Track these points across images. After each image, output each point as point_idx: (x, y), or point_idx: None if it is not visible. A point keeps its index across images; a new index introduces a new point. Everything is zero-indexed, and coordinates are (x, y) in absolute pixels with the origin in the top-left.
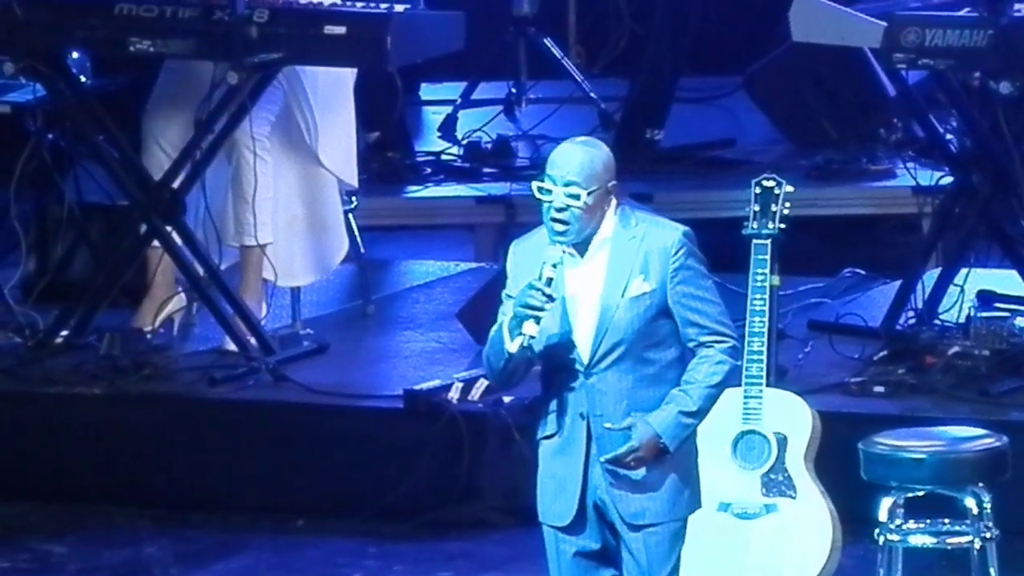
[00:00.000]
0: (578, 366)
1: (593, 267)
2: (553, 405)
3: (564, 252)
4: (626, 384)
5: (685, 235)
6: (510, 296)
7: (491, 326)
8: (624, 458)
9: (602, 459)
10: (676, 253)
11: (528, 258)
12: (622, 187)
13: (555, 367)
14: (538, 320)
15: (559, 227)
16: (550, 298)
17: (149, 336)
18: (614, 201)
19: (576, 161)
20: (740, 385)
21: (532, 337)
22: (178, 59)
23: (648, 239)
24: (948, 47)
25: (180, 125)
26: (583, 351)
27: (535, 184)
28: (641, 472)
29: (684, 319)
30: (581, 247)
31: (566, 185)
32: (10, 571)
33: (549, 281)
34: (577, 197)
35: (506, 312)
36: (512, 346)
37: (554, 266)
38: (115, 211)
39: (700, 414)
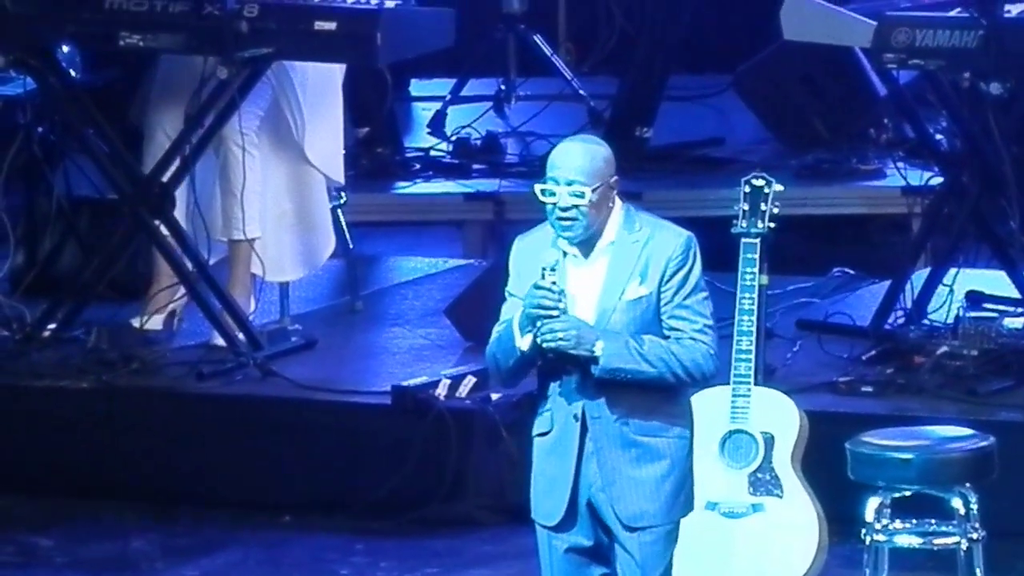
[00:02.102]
0: (577, 367)
1: (595, 270)
2: (549, 403)
3: (562, 253)
4: (621, 385)
5: (688, 241)
6: (512, 294)
7: (481, 322)
8: (554, 324)
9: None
10: (676, 258)
11: (531, 255)
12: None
13: (552, 366)
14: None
15: (566, 224)
16: (559, 294)
17: (141, 329)
18: (618, 200)
19: (577, 159)
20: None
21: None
22: (168, 54)
23: (651, 243)
24: (938, 47)
25: (182, 116)
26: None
27: (538, 187)
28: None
29: (667, 324)
30: (585, 248)
31: (569, 184)
32: None
33: (553, 283)
34: (582, 195)
35: (510, 310)
36: (523, 343)
37: (552, 269)
38: (104, 205)
39: (646, 359)
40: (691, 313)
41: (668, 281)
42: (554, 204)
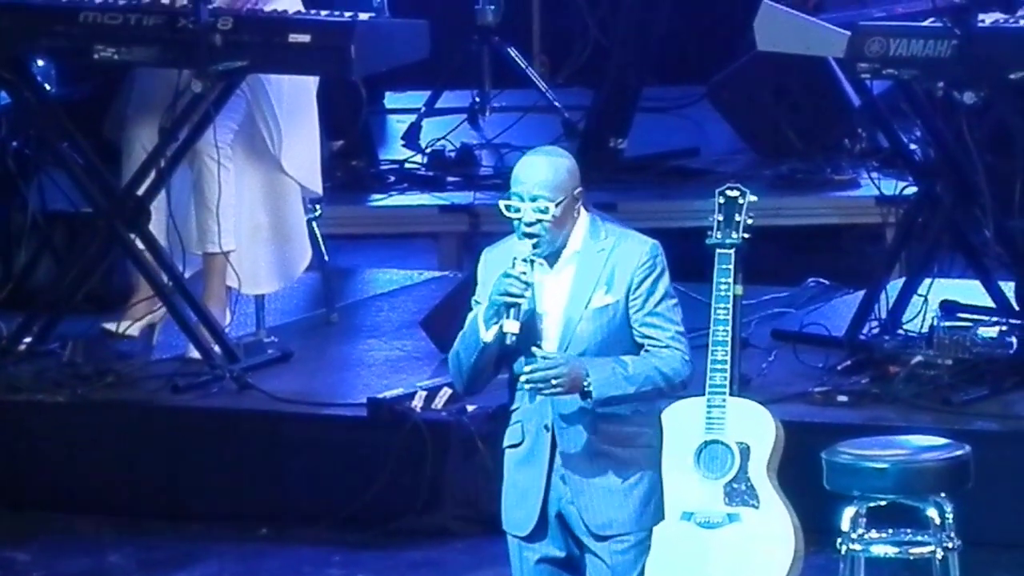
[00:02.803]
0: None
1: (561, 279)
2: (519, 415)
3: (533, 254)
4: None
5: (653, 248)
6: (479, 302)
7: (456, 334)
8: (544, 372)
9: (523, 370)
10: (642, 265)
11: (499, 265)
12: (587, 196)
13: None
14: (519, 311)
15: (532, 240)
16: (527, 285)
17: (115, 341)
18: (583, 211)
19: (540, 174)
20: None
21: (515, 335)
22: (142, 67)
23: (616, 252)
24: (912, 57)
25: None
26: None
27: (502, 203)
28: (557, 390)
29: (639, 333)
30: (551, 258)
31: (533, 200)
32: None
33: (523, 273)
34: (545, 211)
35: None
36: (487, 335)
37: (524, 260)
38: (79, 218)
39: (634, 382)
40: (663, 320)
41: (636, 289)
42: (519, 219)
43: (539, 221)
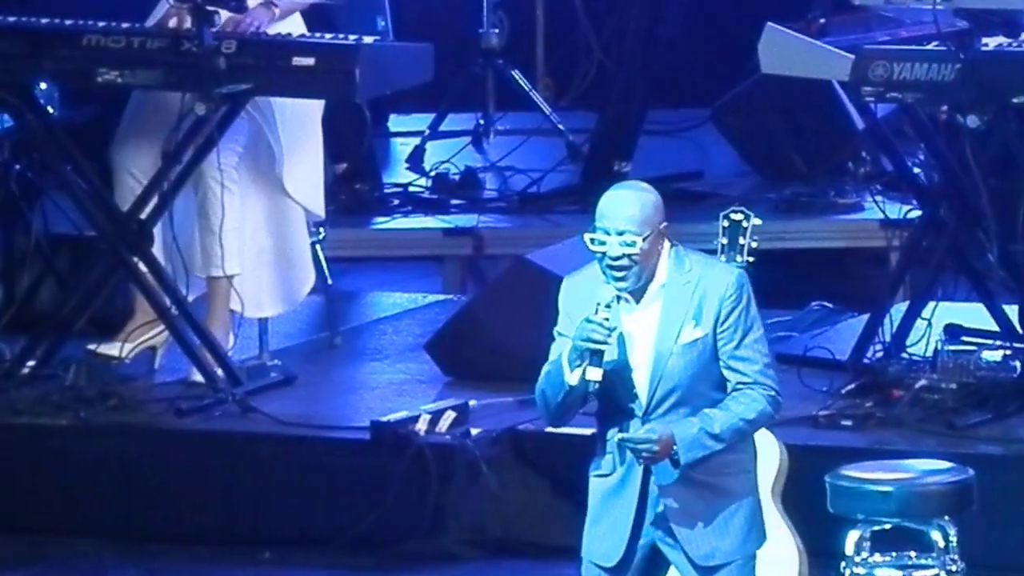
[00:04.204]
0: (636, 410)
1: (649, 314)
2: (611, 446)
3: (618, 295)
4: None
5: (740, 277)
6: (562, 334)
7: (461, 358)
8: (638, 444)
9: (617, 436)
10: (729, 297)
11: (580, 294)
12: (591, 218)
13: (613, 409)
14: (601, 357)
15: (618, 274)
16: (610, 331)
17: (118, 364)
18: (667, 243)
19: (627, 209)
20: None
21: (597, 383)
22: (146, 90)
23: (702, 283)
24: (916, 80)
25: (151, 155)
26: (640, 397)
27: (587, 236)
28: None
29: (727, 365)
30: (637, 293)
31: (620, 234)
32: None
33: (605, 319)
34: (632, 244)
35: (557, 349)
36: (572, 378)
37: (607, 306)
38: (82, 242)
39: (722, 440)
40: (752, 353)
41: (724, 322)
42: (604, 253)
43: (626, 255)
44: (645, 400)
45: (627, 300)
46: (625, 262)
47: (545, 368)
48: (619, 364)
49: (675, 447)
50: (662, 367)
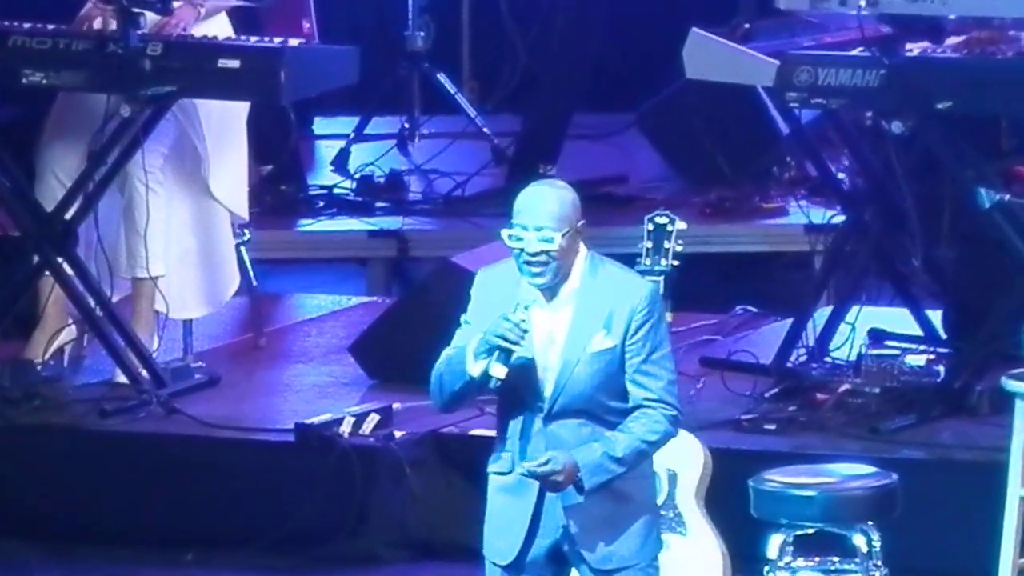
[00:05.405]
0: (538, 412)
1: (559, 316)
2: (510, 444)
3: (538, 296)
4: (586, 432)
5: (652, 293)
6: (468, 322)
7: (385, 360)
8: (541, 476)
9: (522, 466)
10: (641, 311)
11: (494, 287)
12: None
13: (515, 408)
14: (509, 356)
15: (535, 270)
16: (524, 333)
17: (40, 367)
18: (583, 248)
19: (546, 205)
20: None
21: (499, 380)
22: (72, 91)
23: (615, 293)
24: (840, 86)
25: (76, 156)
26: (543, 398)
27: (505, 232)
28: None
29: (632, 379)
30: (549, 292)
31: (538, 230)
32: None
33: (522, 320)
34: (551, 240)
35: (463, 336)
36: (474, 369)
37: (526, 308)
38: (6, 242)
39: (624, 463)
40: (658, 369)
41: (634, 335)
42: (522, 249)
43: (544, 251)
44: (547, 404)
45: (536, 299)
46: (543, 258)
47: (446, 352)
48: (525, 363)
49: (579, 474)
50: (569, 373)
